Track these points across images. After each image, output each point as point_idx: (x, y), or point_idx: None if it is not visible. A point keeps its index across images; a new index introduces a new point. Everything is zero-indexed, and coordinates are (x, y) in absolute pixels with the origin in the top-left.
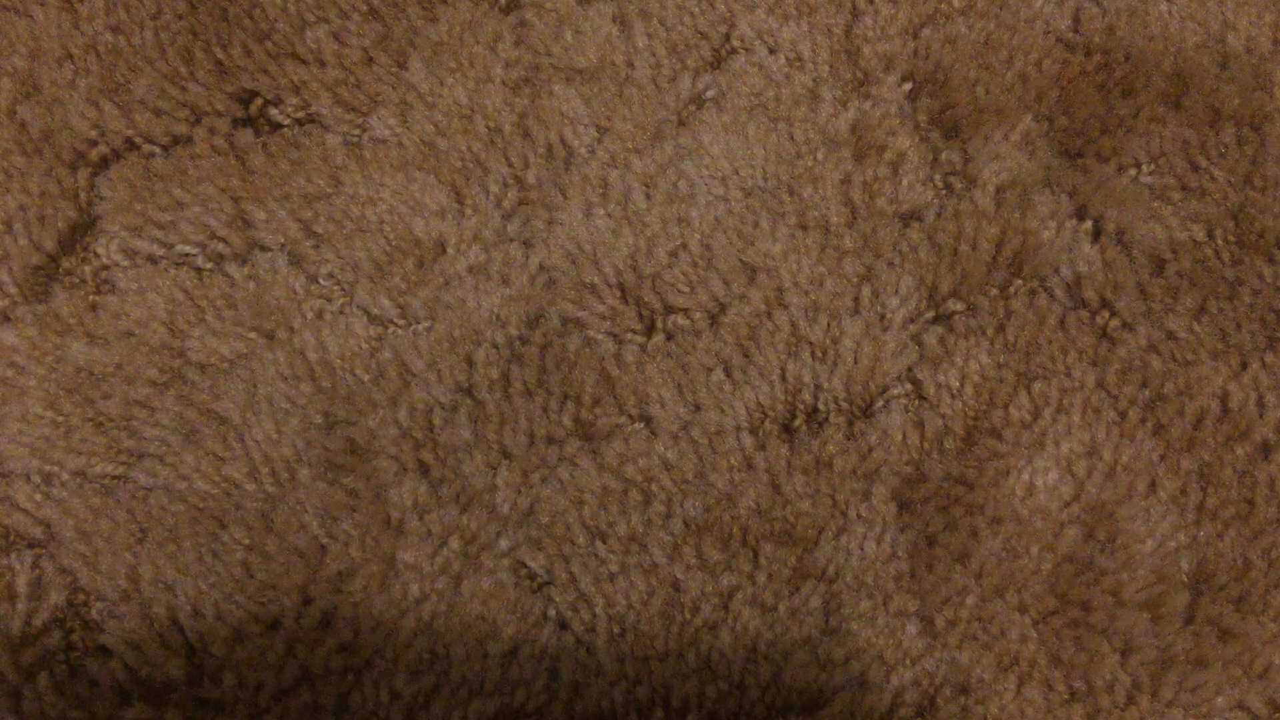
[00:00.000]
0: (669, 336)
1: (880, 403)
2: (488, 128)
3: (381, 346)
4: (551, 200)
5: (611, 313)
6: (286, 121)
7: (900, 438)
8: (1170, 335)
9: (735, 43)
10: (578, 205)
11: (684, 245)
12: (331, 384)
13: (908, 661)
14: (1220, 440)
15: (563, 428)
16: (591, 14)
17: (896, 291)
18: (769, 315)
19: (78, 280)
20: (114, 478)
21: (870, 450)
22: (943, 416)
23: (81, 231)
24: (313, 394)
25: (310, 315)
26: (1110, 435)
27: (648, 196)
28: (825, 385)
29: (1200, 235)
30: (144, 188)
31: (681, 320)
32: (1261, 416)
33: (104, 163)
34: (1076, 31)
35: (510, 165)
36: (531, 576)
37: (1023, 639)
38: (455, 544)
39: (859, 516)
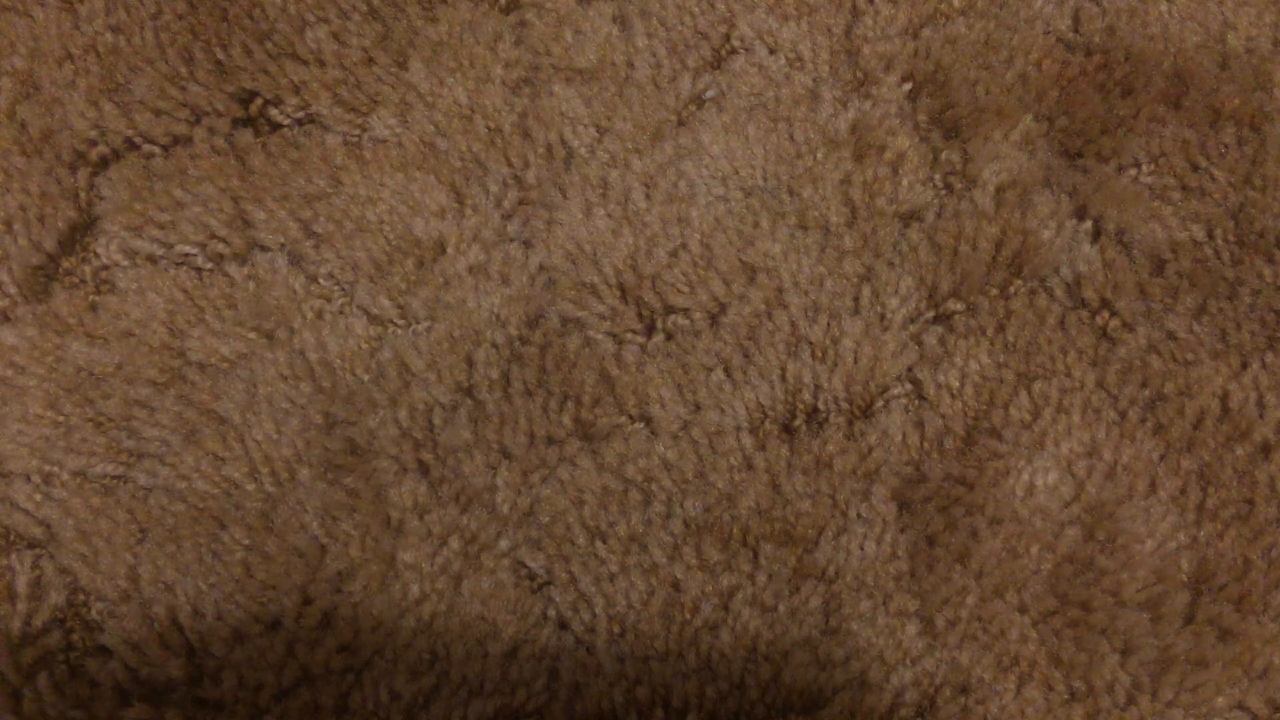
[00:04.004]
0: (669, 336)
1: (880, 403)
2: (488, 128)
3: (381, 346)
4: (551, 200)
5: (611, 313)
6: (286, 121)
7: (900, 438)
8: (1170, 335)
9: (735, 43)
10: (578, 205)
11: (684, 245)
12: (331, 384)
13: (908, 661)
14: (1220, 440)
15: (563, 428)
16: (591, 14)
17: (896, 291)
18: (769, 315)
19: (78, 280)
20: (114, 478)
21: (870, 450)
22: (943, 416)
23: (81, 231)
24: (313, 394)
25: (310, 315)
26: (1110, 435)
27: (648, 196)
28: (825, 385)
29: (1200, 235)
30: (144, 188)
31: (681, 320)
32: (1261, 416)
33: (104, 163)
34: (1076, 31)
35: (510, 165)
36: (531, 576)
37: (1023, 639)
38: (455, 544)
39: (859, 516)
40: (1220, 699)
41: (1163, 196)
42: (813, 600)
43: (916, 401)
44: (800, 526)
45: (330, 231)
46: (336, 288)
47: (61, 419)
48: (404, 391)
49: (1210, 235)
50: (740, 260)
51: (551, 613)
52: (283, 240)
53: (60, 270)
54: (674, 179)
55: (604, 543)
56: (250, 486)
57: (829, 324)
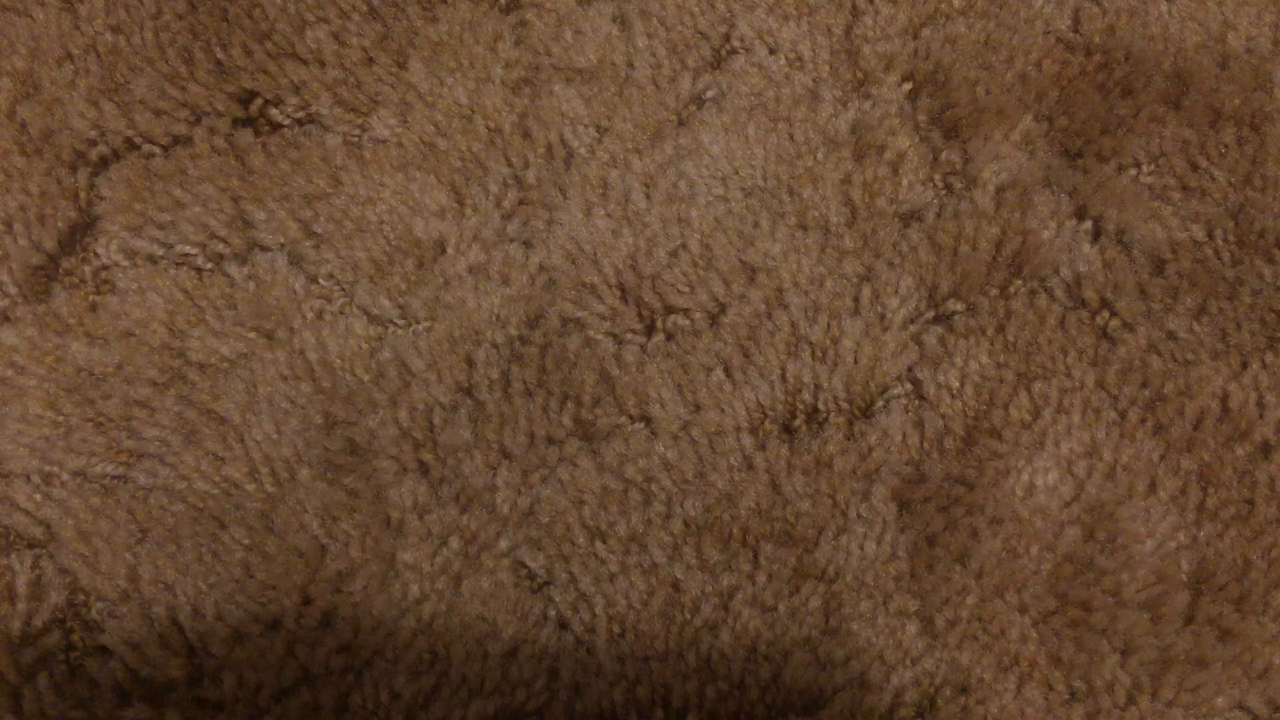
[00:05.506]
0: (669, 336)
1: (880, 403)
2: (488, 128)
3: (381, 346)
4: (551, 200)
5: (611, 313)
6: (286, 121)
7: (900, 438)
8: (1170, 335)
9: (735, 43)
10: (578, 205)
11: (684, 245)
12: (331, 384)
13: (908, 661)
14: (1220, 440)
15: (563, 428)
16: (591, 14)
17: (896, 291)
18: (769, 315)
19: (78, 280)
20: (114, 478)
21: (870, 450)
22: (943, 416)
23: (81, 231)
24: (313, 394)
25: (310, 315)
26: (1110, 435)
27: (648, 196)
28: (825, 385)
29: (1200, 235)
30: (144, 188)
31: (681, 320)
32: (1261, 416)
33: (104, 163)
34: (1076, 31)
35: (510, 165)
36: (531, 576)
37: (1023, 639)
38: (455, 544)
39: (859, 516)
40: (1220, 699)
41: (1163, 196)
42: (813, 600)
43: (916, 401)
44: (800, 526)
45: (330, 231)
46: (336, 288)
47: (61, 419)
48: (404, 391)
49: (1210, 235)
50: (740, 260)
51: (551, 613)
52: (283, 240)
53: (60, 270)
54: (674, 179)
55: (604, 543)
56: (250, 486)
57: (829, 324)
